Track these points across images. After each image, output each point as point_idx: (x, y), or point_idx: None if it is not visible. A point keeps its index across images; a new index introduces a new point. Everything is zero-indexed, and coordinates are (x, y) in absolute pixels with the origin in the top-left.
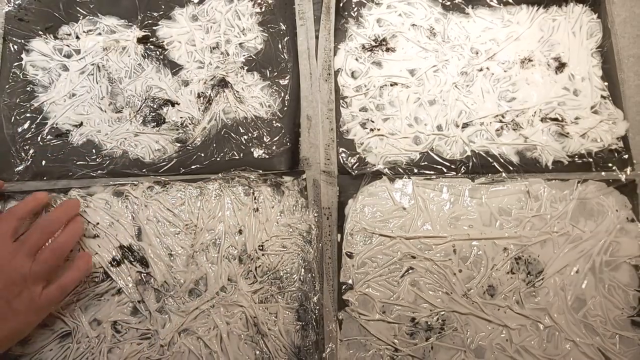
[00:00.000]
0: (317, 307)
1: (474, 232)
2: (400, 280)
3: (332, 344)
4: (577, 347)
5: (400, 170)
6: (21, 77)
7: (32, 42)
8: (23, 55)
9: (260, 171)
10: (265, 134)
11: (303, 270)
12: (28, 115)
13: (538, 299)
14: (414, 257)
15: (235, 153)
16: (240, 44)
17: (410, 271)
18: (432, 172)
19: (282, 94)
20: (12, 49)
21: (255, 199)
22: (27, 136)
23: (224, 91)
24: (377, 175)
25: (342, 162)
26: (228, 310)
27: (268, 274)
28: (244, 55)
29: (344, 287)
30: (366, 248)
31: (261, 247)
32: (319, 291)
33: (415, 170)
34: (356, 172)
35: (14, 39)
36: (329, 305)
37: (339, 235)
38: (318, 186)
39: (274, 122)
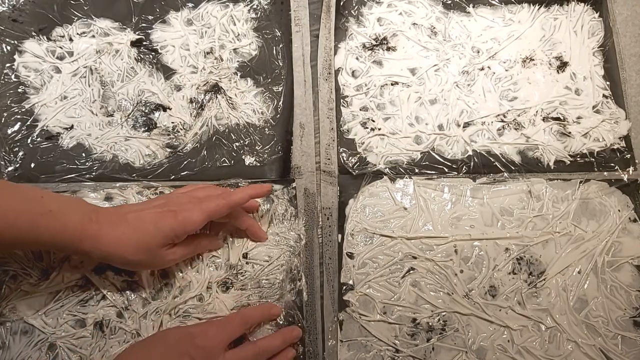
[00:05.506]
0: (301, 320)
1: (476, 233)
2: (401, 280)
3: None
4: (579, 348)
5: (401, 170)
6: (13, 78)
7: (25, 44)
8: (16, 57)
9: (250, 180)
10: (257, 141)
11: (288, 281)
12: (19, 116)
13: (540, 299)
14: (415, 258)
15: (226, 160)
16: (234, 49)
17: (411, 272)
18: (433, 172)
19: (276, 101)
20: (4, 49)
21: None
22: (17, 138)
23: (217, 97)
24: (378, 175)
25: (342, 161)
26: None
27: (251, 283)
28: (237, 61)
29: (344, 287)
30: (367, 248)
31: (245, 256)
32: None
33: (417, 170)
34: (357, 171)
35: (7, 39)
36: (317, 316)
37: (340, 236)
38: (309, 195)
39: (266, 129)
